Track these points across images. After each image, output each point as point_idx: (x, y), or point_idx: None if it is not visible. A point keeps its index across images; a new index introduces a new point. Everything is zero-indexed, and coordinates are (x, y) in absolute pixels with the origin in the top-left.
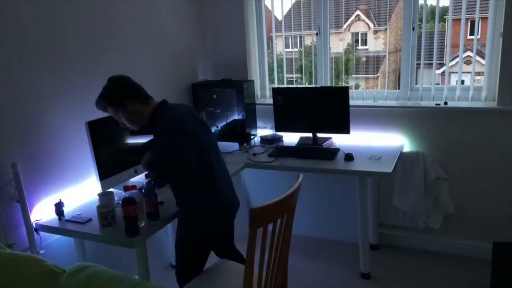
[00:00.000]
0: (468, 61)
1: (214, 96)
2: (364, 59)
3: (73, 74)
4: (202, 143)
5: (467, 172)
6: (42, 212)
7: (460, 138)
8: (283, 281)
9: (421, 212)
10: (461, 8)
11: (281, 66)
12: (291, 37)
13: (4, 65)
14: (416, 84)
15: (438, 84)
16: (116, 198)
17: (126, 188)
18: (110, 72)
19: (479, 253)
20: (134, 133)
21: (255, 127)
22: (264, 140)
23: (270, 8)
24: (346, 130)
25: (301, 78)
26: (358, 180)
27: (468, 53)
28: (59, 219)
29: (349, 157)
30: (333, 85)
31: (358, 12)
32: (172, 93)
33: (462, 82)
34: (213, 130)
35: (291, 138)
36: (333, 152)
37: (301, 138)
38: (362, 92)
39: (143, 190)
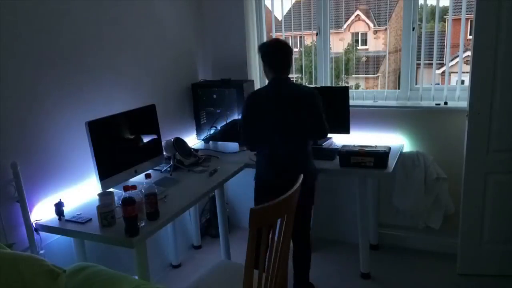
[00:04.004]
0: (468, 61)
1: (214, 96)
2: (364, 59)
3: (73, 74)
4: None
5: None
6: (42, 212)
7: (460, 138)
8: (283, 281)
9: (421, 212)
10: (461, 8)
11: None
12: (291, 37)
13: (4, 65)
14: (416, 84)
15: (438, 84)
16: (116, 198)
17: (126, 188)
18: (110, 72)
19: None
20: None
21: None
22: None
23: (270, 8)
24: (346, 130)
25: (301, 78)
26: (358, 180)
27: (468, 53)
28: (59, 219)
29: None
30: (333, 85)
31: (358, 12)
32: (172, 93)
33: (462, 82)
34: (212, 130)
35: None
36: (333, 152)
37: None
38: (362, 92)
39: (143, 190)
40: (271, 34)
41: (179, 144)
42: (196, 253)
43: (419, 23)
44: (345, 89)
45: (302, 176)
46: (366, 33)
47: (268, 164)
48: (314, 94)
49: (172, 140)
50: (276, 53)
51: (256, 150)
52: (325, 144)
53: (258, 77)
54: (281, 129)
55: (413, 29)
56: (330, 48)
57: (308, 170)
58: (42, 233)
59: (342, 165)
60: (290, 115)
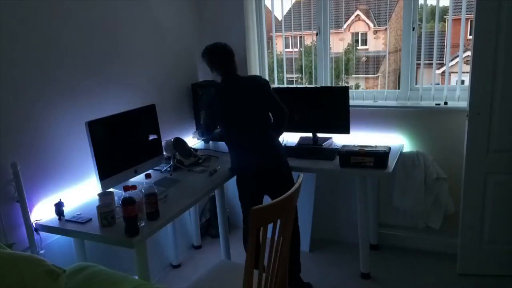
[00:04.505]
0: (468, 61)
1: None
2: (364, 59)
3: (73, 74)
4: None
5: None
6: (42, 212)
7: (460, 138)
8: (283, 281)
9: (421, 212)
10: (461, 8)
11: (281, 66)
12: (291, 37)
13: (4, 65)
14: (416, 84)
15: (438, 84)
16: (116, 198)
17: (126, 188)
18: (110, 72)
19: None
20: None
21: None
22: None
23: (270, 8)
24: (346, 130)
25: (301, 78)
26: (358, 180)
27: (468, 53)
28: (59, 219)
29: None
30: (333, 85)
31: (358, 12)
32: (172, 93)
33: (462, 82)
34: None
35: (291, 138)
36: (333, 152)
37: (301, 138)
38: (362, 92)
39: (143, 190)
40: (271, 34)
41: (179, 144)
42: (196, 253)
43: (419, 23)
44: (345, 89)
45: (301, 176)
46: (366, 33)
47: (243, 155)
48: (265, 80)
49: (172, 140)
50: (220, 55)
51: (227, 143)
52: (325, 144)
53: None
54: (247, 119)
55: (413, 29)
56: (330, 48)
57: (282, 159)
58: (42, 233)
59: (342, 165)
60: (252, 103)
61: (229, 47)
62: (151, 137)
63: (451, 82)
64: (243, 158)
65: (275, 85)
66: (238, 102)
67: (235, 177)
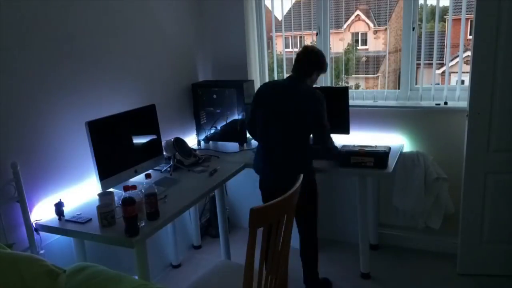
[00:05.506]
0: (468, 61)
1: (214, 96)
2: (364, 59)
3: (74, 74)
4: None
5: None
6: (42, 212)
7: (460, 138)
8: (283, 281)
9: (421, 212)
10: (461, 8)
11: (281, 66)
12: (291, 37)
13: (5, 65)
14: (416, 84)
15: (438, 84)
16: (116, 198)
17: (126, 188)
18: (110, 72)
19: None
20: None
21: None
22: None
23: (270, 8)
24: (346, 130)
25: None
26: (358, 180)
27: (468, 53)
28: (59, 219)
29: None
30: (333, 85)
31: (358, 12)
32: (172, 93)
33: (462, 82)
34: (213, 130)
35: None
36: None
37: None
38: (362, 92)
39: (143, 190)
40: (271, 34)
41: (179, 144)
42: (196, 253)
43: (419, 23)
44: (345, 89)
45: (302, 176)
46: (366, 33)
47: (263, 162)
48: (317, 100)
49: (172, 140)
50: (296, 56)
51: (255, 139)
52: None
53: (258, 77)
54: (278, 123)
55: (413, 29)
56: (330, 48)
57: (303, 170)
58: (42, 233)
59: (342, 165)
60: (279, 113)
61: (304, 52)
62: (151, 137)
63: (451, 82)
64: (256, 163)
65: None
66: (266, 105)
67: (235, 178)
